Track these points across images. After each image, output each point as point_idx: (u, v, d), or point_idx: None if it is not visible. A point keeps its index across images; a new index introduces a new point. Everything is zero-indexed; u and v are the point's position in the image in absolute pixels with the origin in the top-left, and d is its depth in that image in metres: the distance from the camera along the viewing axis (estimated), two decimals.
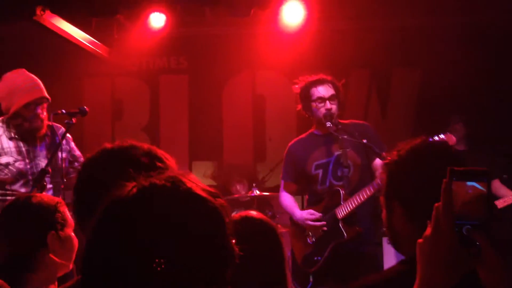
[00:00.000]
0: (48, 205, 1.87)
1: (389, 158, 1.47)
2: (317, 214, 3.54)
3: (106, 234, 0.90)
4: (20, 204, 1.89)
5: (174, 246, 0.86)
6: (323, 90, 3.54)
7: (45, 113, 3.29)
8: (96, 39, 5.38)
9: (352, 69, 5.65)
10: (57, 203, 1.89)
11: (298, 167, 3.67)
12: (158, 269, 0.84)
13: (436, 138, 3.19)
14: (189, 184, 0.92)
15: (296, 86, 3.70)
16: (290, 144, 3.79)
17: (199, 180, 0.95)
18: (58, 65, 5.63)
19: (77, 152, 3.56)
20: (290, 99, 5.91)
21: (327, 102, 3.52)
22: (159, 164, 1.27)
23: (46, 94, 3.28)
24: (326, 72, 5.33)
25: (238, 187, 5.39)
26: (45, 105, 3.29)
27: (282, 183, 3.82)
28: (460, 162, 1.40)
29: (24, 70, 3.32)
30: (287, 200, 3.77)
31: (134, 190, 0.91)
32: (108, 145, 1.36)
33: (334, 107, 3.53)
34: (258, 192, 4.84)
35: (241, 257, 0.95)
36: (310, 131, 3.73)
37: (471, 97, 5.34)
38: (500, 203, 4.15)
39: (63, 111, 3.34)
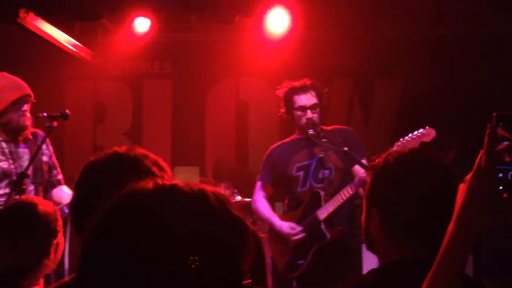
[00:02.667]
0: (51, 213, 1.88)
1: (376, 162, 1.47)
2: (298, 228, 3.50)
3: (119, 226, 0.82)
4: (25, 212, 1.87)
5: (183, 259, 0.79)
6: (305, 99, 3.54)
7: (29, 114, 3.28)
8: (79, 43, 5.36)
9: (334, 78, 5.71)
10: (55, 211, 1.91)
11: (279, 169, 3.66)
12: (193, 266, 0.79)
13: (417, 133, 3.23)
14: (212, 200, 0.84)
15: (280, 90, 3.70)
16: (271, 147, 3.78)
17: (228, 199, 0.88)
18: (40, 68, 5.58)
19: (55, 160, 3.54)
20: (273, 106, 5.94)
21: (308, 111, 3.52)
22: (165, 175, 1.27)
23: (31, 93, 3.29)
24: (310, 81, 5.39)
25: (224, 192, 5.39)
26: (30, 104, 3.29)
27: (258, 184, 3.76)
28: (449, 176, 1.42)
29: (5, 73, 3.31)
30: (264, 206, 3.72)
31: (153, 185, 0.85)
32: (119, 150, 1.34)
33: (315, 116, 3.53)
34: (239, 198, 4.85)
35: None
36: (292, 136, 3.74)
37: (451, 106, 5.43)
38: None
39: (45, 114, 3.32)
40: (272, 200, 3.94)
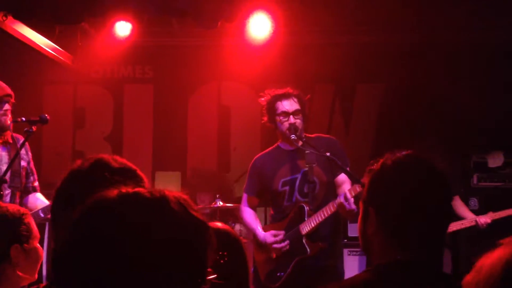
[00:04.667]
0: (13, 217, 1.81)
1: (374, 165, 1.50)
2: (280, 235, 3.52)
3: (83, 234, 0.86)
4: None
5: (148, 264, 0.84)
6: (288, 105, 3.55)
7: (10, 115, 3.24)
8: (59, 46, 5.29)
9: (316, 83, 5.74)
10: (22, 214, 1.83)
11: (264, 182, 3.67)
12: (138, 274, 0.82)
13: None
14: (173, 205, 0.88)
15: (262, 99, 3.71)
16: (256, 157, 3.77)
17: (190, 202, 0.92)
18: (19, 72, 5.50)
19: (33, 167, 3.50)
20: (255, 111, 5.95)
21: (291, 116, 3.53)
22: (141, 183, 1.26)
23: (12, 93, 3.25)
24: (291, 86, 5.41)
25: (202, 197, 5.35)
26: (11, 105, 3.24)
27: (244, 196, 3.79)
28: (442, 180, 1.46)
29: None
30: (249, 216, 3.74)
31: (117, 194, 0.88)
32: (79, 162, 1.33)
33: (298, 122, 3.54)
34: (221, 203, 4.83)
35: None
36: (276, 144, 3.73)
37: (431, 112, 5.49)
38: (456, 226, 4.24)
39: (23, 119, 3.28)
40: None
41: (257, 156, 3.78)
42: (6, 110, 3.19)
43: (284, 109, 3.55)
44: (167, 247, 0.85)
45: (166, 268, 0.84)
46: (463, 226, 4.21)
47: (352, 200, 3.28)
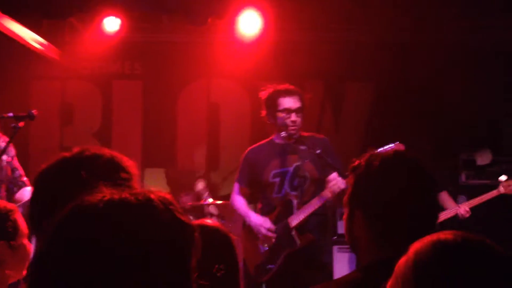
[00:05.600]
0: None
1: (356, 163, 1.49)
2: (272, 225, 3.56)
3: (65, 242, 0.85)
4: None
5: (133, 267, 0.84)
6: (291, 102, 3.56)
7: None
8: (47, 41, 5.23)
9: (306, 80, 5.73)
10: (9, 211, 1.80)
11: (255, 173, 3.69)
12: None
13: (387, 147, 3.29)
14: (159, 209, 0.88)
15: (263, 92, 3.68)
16: (249, 149, 3.80)
17: (175, 203, 0.92)
18: (6, 67, 5.44)
19: (16, 163, 3.46)
20: (245, 108, 5.95)
21: (293, 114, 3.54)
22: (123, 174, 1.21)
23: None
24: (281, 83, 5.40)
25: (184, 198, 5.31)
26: None
27: (236, 186, 3.81)
28: (429, 179, 1.46)
29: None
30: (241, 202, 3.77)
31: (103, 200, 0.87)
32: (66, 154, 1.26)
33: (299, 120, 3.56)
34: (211, 200, 4.81)
35: (195, 265, 0.94)
36: (270, 138, 3.74)
37: (421, 111, 5.52)
38: (441, 216, 4.28)
39: (10, 114, 3.23)
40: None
41: (250, 147, 3.81)
42: None
43: (286, 106, 3.56)
44: (154, 250, 0.85)
45: (153, 270, 0.84)
46: (446, 217, 4.23)
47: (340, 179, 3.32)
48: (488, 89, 5.46)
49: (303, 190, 3.54)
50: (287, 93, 3.58)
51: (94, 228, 0.85)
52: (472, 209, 4.24)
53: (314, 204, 3.45)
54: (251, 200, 3.91)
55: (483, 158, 4.99)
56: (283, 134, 3.55)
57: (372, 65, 5.57)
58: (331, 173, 3.58)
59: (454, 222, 4.27)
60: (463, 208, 4.17)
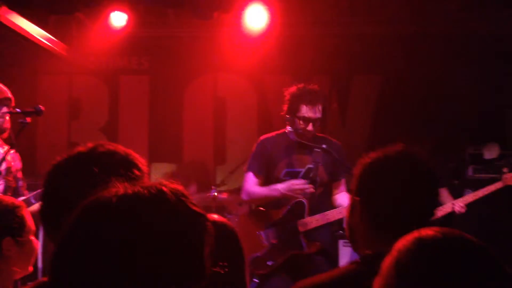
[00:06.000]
0: (5, 209, 1.77)
1: (366, 158, 1.53)
2: (300, 179, 3.49)
3: (82, 237, 0.87)
4: None
5: (150, 258, 0.86)
6: (311, 112, 3.52)
7: (8, 118, 3.22)
8: (54, 37, 5.25)
9: (313, 74, 5.71)
10: (16, 207, 1.80)
11: (268, 165, 3.65)
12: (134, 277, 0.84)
13: None
14: (172, 201, 0.90)
15: (288, 90, 3.63)
16: (264, 138, 3.73)
17: (187, 194, 0.94)
18: (14, 62, 5.46)
19: (21, 175, 3.50)
20: (251, 102, 5.94)
21: (311, 124, 3.53)
22: (136, 171, 1.22)
23: (12, 98, 3.24)
24: (288, 77, 5.40)
25: (190, 189, 5.33)
26: (10, 107, 3.23)
27: (250, 175, 3.69)
28: (430, 174, 1.49)
29: None
30: (259, 187, 3.64)
31: (117, 195, 0.89)
32: (82, 149, 1.26)
33: (314, 129, 3.56)
34: (216, 193, 4.81)
35: None
36: (283, 130, 3.69)
37: (427, 104, 5.49)
38: (437, 213, 4.25)
39: (18, 110, 3.25)
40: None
41: (265, 137, 3.74)
42: (4, 113, 3.17)
43: (306, 115, 3.52)
44: (169, 242, 0.87)
45: (169, 262, 0.86)
46: (441, 214, 4.21)
47: None
48: (493, 81, 5.43)
49: (312, 193, 3.53)
50: (310, 102, 3.51)
51: (110, 223, 0.86)
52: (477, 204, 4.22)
53: (326, 219, 3.45)
54: None
55: (491, 152, 4.96)
56: (289, 129, 3.56)
57: (379, 58, 5.55)
58: (341, 178, 3.59)
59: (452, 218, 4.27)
60: (458, 204, 4.15)
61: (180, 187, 0.94)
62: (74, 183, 1.17)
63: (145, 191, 0.90)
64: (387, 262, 1.03)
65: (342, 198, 3.62)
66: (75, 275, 0.85)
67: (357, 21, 5.46)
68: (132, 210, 0.88)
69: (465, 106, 5.36)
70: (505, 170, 4.24)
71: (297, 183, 3.50)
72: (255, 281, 3.56)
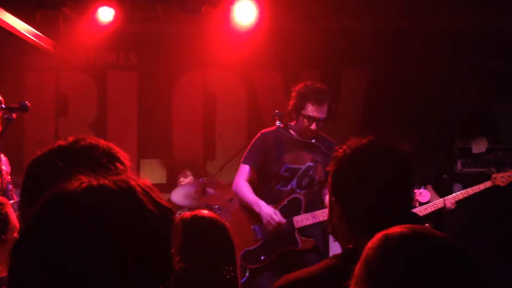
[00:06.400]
0: None
1: (338, 151, 1.48)
2: (282, 218, 3.50)
3: (43, 229, 0.84)
4: None
5: (112, 252, 0.84)
6: (317, 112, 3.51)
7: None
8: (41, 32, 5.19)
9: (302, 69, 5.71)
10: (2, 204, 1.77)
11: (267, 159, 3.63)
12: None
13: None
14: (140, 194, 0.89)
15: (297, 87, 3.60)
16: (264, 132, 3.70)
17: (154, 189, 0.92)
18: (0, 58, 5.39)
19: (10, 179, 3.47)
20: (241, 97, 5.93)
21: (315, 123, 3.52)
22: (118, 165, 1.20)
23: (1, 98, 3.19)
24: (278, 72, 5.39)
25: (181, 179, 5.31)
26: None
27: (245, 168, 3.68)
28: (402, 164, 1.45)
29: None
30: (247, 188, 3.63)
31: (82, 186, 0.87)
32: (62, 143, 1.25)
33: (318, 128, 3.55)
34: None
35: (192, 255, 0.94)
36: (285, 125, 3.66)
37: (416, 99, 5.51)
38: (420, 211, 4.27)
39: (3, 106, 3.21)
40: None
41: (265, 131, 3.71)
42: None
43: (312, 114, 3.51)
44: (133, 234, 0.86)
45: (132, 253, 0.85)
46: (432, 209, 4.24)
47: None
48: (482, 75, 5.46)
49: (310, 191, 3.56)
50: (317, 101, 3.50)
51: (73, 213, 0.85)
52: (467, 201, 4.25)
53: (322, 217, 3.45)
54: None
55: (479, 146, 4.99)
56: (277, 123, 3.56)
57: (368, 53, 5.55)
58: None
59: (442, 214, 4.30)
60: (449, 201, 4.19)
61: (147, 182, 0.92)
62: (52, 176, 1.16)
63: (111, 183, 0.88)
64: (359, 263, 1.03)
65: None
66: (34, 265, 0.82)
67: (346, 16, 5.46)
68: (96, 201, 0.86)
69: (454, 100, 5.39)
70: (493, 170, 4.29)
71: (275, 220, 3.48)
72: (246, 276, 3.55)
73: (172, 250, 0.90)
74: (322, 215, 3.48)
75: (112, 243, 0.84)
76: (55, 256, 0.82)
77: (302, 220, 3.51)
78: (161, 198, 0.92)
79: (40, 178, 1.20)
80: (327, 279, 1.35)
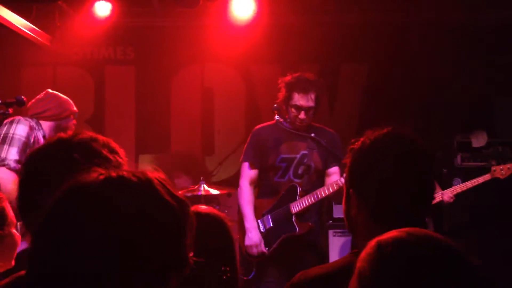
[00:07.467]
0: None
1: (355, 144, 1.45)
2: (264, 249, 3.55)
3: (63, 222, 0.84)
4: None
5: (133, 245, 0.84)
6: (304, 100, 3.53)
7: None
8: (37, 27, 5.15)
9: (300, 63, 5.68)
10: None
11: (263, 153, 3.69)
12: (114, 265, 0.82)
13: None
14: (157, 185, 0.90)
15: (284, 78, 3.64)
16: (258, 128, 3.77)
17: (169, 181, 0.93)
18: None
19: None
20: (239, 92, 5.90)
21: (303, 112, 3.55)
22: (119, 159, 1.22)
23: None
24: (276, 67, 5.36)
25: (179, 180, 5.30)
26: None
27: (245, 165, 3.72)
28: (424, 156, 1.41)
29: None
30: (247, 199, 3.67)
31: (100, 178, 0.87)
32: (62, 135, 1.26)
33: (307, 118, 3.57)
34: (205, 185, 4.78)
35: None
36: (277, 120, 3.69)
37: (415, 92, 5.50)
38: None
39: None
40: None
41: (259, 126, 3.78)
42: None
43: (298, 103, 3.55)
44: (152, 226, 0.86)
45: (150, 249, 0.85)
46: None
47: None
48: (481, 69, 5.45)
49: (307, 179, 3.59)
50: (303, 90, 3.53)
51: (92, 205, 0.84)
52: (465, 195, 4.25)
53: (319, 194, 3.49)
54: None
55: (479, 140, 4.98)
56: (276, 117, 3.60)
57: (366, 46, 5.53)
58: (334, 166, 3.63)
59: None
60: (447, 195, 4.20)
61: (163, 175, 0.93)
62: (53, 166, 1.15)
63: (130, 175, 0.88)
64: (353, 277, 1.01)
65: (332, 179, 3.62)
66: (55, 258, 0.82)
67: (344, 9, 5.44)
68: (115, 193, 0.86)
69: (454, 94, 5.37)
70: (493, 162, 4.29)
71: (259, 250, 3.54)
72: (253, 271, 3.62)
73: (188, 242, 0.91)
74: (312, 198, 3.50)
75: (133, 233, 0.84)
76: (74, 248, 0.82)
77: (297, 205, 3.56)
78: (177, 191, 0.93)
79: (44, 172, 1.19)
80: (346, 275, 1.33)
